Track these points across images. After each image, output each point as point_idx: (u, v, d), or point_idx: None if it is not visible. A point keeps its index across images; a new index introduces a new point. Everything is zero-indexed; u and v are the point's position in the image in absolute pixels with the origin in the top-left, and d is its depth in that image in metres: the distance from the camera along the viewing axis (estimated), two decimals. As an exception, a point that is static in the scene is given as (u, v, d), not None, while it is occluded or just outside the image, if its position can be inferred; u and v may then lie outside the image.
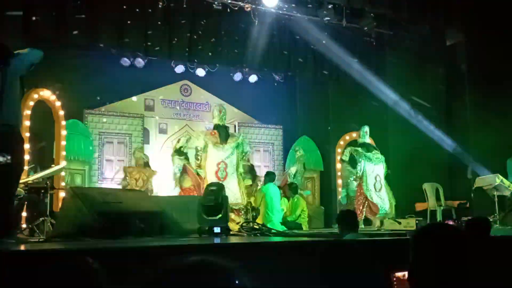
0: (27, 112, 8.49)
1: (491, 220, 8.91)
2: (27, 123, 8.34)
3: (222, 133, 9.02)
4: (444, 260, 1.84)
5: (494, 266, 3.64)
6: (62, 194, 8.17)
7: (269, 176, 9.80)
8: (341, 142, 11.53)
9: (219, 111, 9.22)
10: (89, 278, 1.55)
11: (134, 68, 11.12)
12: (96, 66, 10.60)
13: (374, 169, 9.97)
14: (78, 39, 9.25)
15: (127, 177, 9.70)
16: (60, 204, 7.07)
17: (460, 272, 1.84)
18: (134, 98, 11.44)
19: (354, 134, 11.49)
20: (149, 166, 10.05)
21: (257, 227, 7.35)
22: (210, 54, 10.41)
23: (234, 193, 8.69)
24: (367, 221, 10.22)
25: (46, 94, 8.99)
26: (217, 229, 5.92)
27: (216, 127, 9.07)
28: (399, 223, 9.41)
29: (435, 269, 1.86)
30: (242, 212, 8.90)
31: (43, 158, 8.93)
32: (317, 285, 2.61)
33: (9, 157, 4.32)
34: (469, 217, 7.26)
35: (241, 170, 9.10)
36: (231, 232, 6.48)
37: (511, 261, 3.90)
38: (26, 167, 7.19)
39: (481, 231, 4.77)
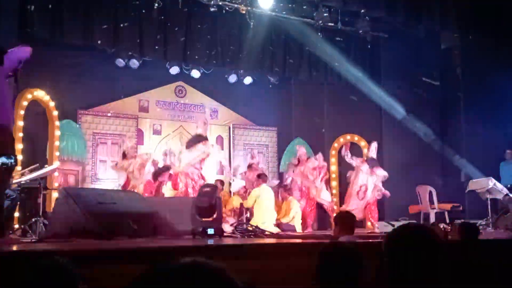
0: (21, 112, 8.45)
1: (483, 223, 8.97)
2: (20, 123, 8.30)
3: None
4: (416, 261, 1.87)
5: (484, 267, 3.66)
6: (55, 194, 8.13)
7: (262, 178, 9.81)
8: (335, 145, 11.54)
9: (204, 123, 9.74)
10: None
11: (128, 68, 11.10)
12: (91, 66, 10.57)
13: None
14: (73, 39, 9.23)
15: None
16: (53, 205, 7.03)
17: (431, 273, 1.86)
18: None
19: (348, 137, 11.51)
20: None
21: (250, 228, 7.35)
22: (205, 55, 10.41)
23: None
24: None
25: (40, 94, 8.95)
26: (210, 231, 5.92)
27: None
28: (393, 225, 9.42)
29: (406, 271, 1.88)
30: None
31: (36, 159, 8.89)
32: (311, 286, 2.61)
33: (13, 161, 4.31)
34: (462, 220, 7.31)
35: None
36: (224, 234, 6.48)
37: (501, 263, 3.92)
38: (19, 167, 7.17)
39: (471, 235, 4.84)
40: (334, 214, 6.98)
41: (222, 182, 11.10)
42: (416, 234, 1.96)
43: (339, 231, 4.72)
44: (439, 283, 1.85)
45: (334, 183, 11.33)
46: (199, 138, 9.50)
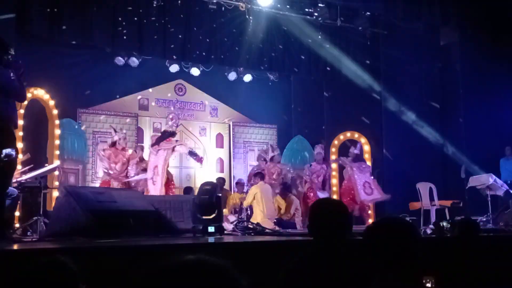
0: (21, 111, 8.43)
1: (484, 219, 8.97)
2: (20, 122, 8.28)
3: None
4: (394, 252, 1.91)
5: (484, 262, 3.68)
6: (55, 193, 8.14)
7: (260, 175, 9.81)
8: (335, 142, 11.55)
9: (171, 119, 9.55)
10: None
11: (128, 67, 11.10)
12: (90, 65, 10.57)
13: None
14: (72, 37, 9.22)
15: None
16: (53, 203, 7.04)
17: (409, 263, 1.90)
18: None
19: (348, 134, 11.51)
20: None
21: (251, 226, 7.35)
22: (204, 53, 10.39)
23: None
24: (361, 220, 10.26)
25: (40, 93, 8.94)
26: (211, 229, 5.92)
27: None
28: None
29: (385, 261, 1.91)
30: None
31: (37, 157, 8.89)
32: (311, 284, 2.61)
33: (14, 154, 4.33)
34: (462, 217, 7.31)
35: None
36: (225, 232, 6.48)
37: (500, 257, 3.93)
38: (19, 166, 7.17)
39: (471, 231, 4.86)
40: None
41: (224, 180, 11.13)
42: (394, 226, 2.00)
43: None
44: (418, 272, 1.90)
45: (334, 181, 11.32)
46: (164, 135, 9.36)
